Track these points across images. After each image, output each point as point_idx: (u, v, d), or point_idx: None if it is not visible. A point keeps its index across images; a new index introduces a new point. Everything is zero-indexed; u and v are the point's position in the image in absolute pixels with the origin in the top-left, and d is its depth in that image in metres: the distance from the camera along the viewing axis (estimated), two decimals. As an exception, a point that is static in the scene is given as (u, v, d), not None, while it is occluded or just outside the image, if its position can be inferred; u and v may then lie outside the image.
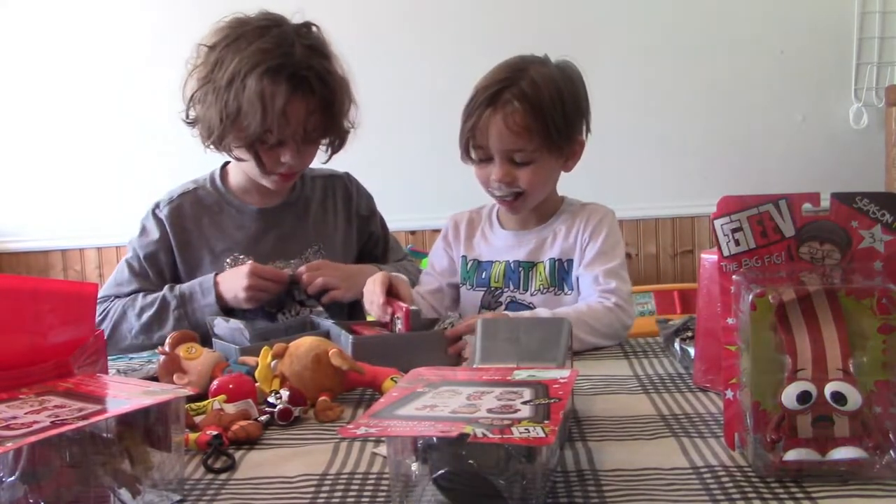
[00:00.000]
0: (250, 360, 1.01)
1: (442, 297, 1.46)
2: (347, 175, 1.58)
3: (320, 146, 1.42)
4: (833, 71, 2.76)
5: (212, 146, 1.37)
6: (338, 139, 1.42)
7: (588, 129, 1.38)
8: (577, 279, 1.36)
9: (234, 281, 1.34)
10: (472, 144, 1.33)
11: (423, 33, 2.76)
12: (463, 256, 1.46)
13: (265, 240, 1.45)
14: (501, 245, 1.43)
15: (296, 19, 1.36)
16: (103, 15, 2.83)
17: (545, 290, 1.38)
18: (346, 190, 1.56)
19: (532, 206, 1.39)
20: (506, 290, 1.41)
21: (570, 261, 1.38)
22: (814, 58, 2.75)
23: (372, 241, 1.60)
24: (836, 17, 2.74)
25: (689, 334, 1.10)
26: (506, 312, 1.31)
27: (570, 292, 1.37)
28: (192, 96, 1.34)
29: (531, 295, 1.38)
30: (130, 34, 2.80)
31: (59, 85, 2.85)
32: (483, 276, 1.43)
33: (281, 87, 1.26)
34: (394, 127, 2.76)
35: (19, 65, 2.86)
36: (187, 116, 1.37)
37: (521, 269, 1.40)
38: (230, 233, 1.45)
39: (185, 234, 1.44)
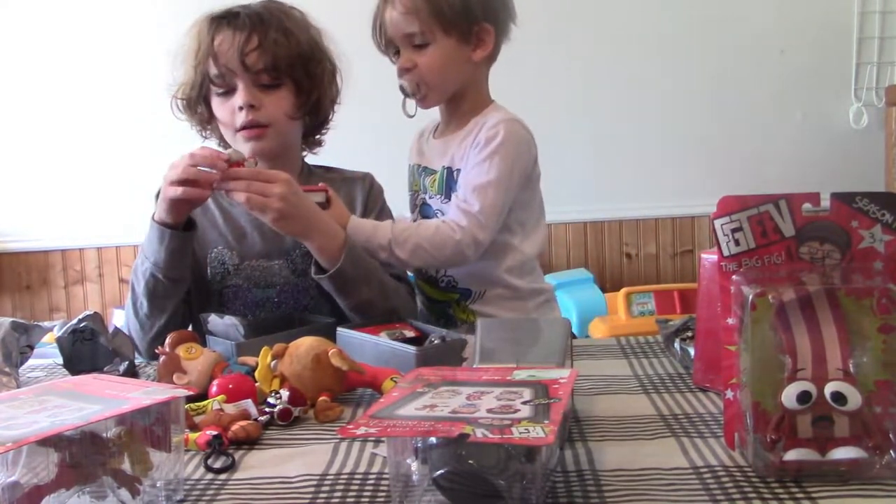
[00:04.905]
0: (250, 360, 1.00)
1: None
2: (366, 177, 1.48)
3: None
4: (833, 71, 2.76)
5: (198, 127, 1.41)
6: (305, 94, 1.35)
7: (497, 20, 1.33)
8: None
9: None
10: (383, 44, 1.34)
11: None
12: (409, 165, 1.47)
13: (252, 235, 1.40)
14: (426, 150, 1.43)
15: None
16: (103, 15, 2.83)
17: (434, 198, 1.37)
18: (351, 194, 1.44)
19: (440, 96, 1.35)
20: (420, 193, 1.42)
21: (459, 171, 1.33)
22: (814, 58, 2.76)
23: None
24: (835, 17, 2.74)
25: (689, 334, 1.10)
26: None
27: None
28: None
29: (430, 198, 1.39)
30: (131, 34, 2.80)
31: (59, 85, 2.85)
32: (412, 179, 1.46)
33: (209, 24, 1.31)
34: (394, 126, 2.75)
35: (19, 65, 2.86)
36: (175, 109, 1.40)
37: (423, 173, 1.41)
38: (217, 223, 1.40)
39: None
